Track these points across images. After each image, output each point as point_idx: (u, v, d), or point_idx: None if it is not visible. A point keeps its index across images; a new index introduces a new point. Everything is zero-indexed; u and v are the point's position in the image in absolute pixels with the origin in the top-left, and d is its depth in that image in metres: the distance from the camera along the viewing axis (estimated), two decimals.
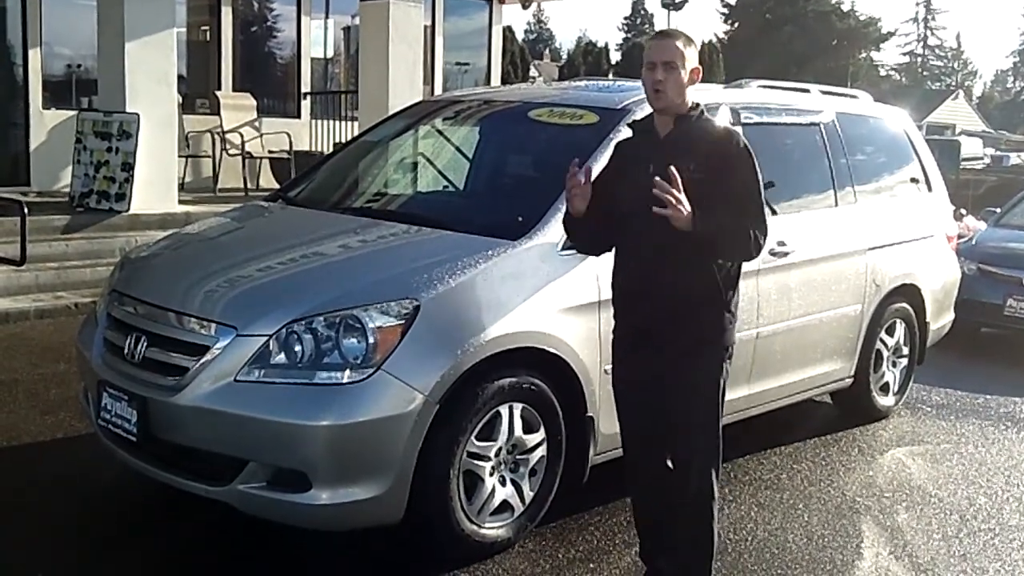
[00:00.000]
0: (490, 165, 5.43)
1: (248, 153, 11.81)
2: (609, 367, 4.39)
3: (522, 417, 4.18)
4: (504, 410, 4.10)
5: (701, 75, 3.65)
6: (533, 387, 4.16)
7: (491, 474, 4.13)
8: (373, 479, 3.78)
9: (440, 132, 5.75)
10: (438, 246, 4.29)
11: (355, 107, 12.42)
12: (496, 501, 4.17)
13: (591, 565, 4.21)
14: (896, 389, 6.55)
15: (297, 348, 3.81)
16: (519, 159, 5.33)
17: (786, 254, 5.25)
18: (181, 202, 10.19)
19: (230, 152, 11.77)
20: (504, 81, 18.75)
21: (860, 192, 5.98)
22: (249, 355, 3.82)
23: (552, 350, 4.18)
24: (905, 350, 6.52)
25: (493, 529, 4.17)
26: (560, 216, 4.29)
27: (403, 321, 3.82)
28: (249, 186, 11.84)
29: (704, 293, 3.59)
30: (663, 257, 3.54)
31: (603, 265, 4.32)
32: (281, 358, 3.82)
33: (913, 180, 6.62)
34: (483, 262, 4.07)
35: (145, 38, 9.34)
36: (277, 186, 12.01)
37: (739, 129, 5.07)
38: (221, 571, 4.10)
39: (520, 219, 4.33)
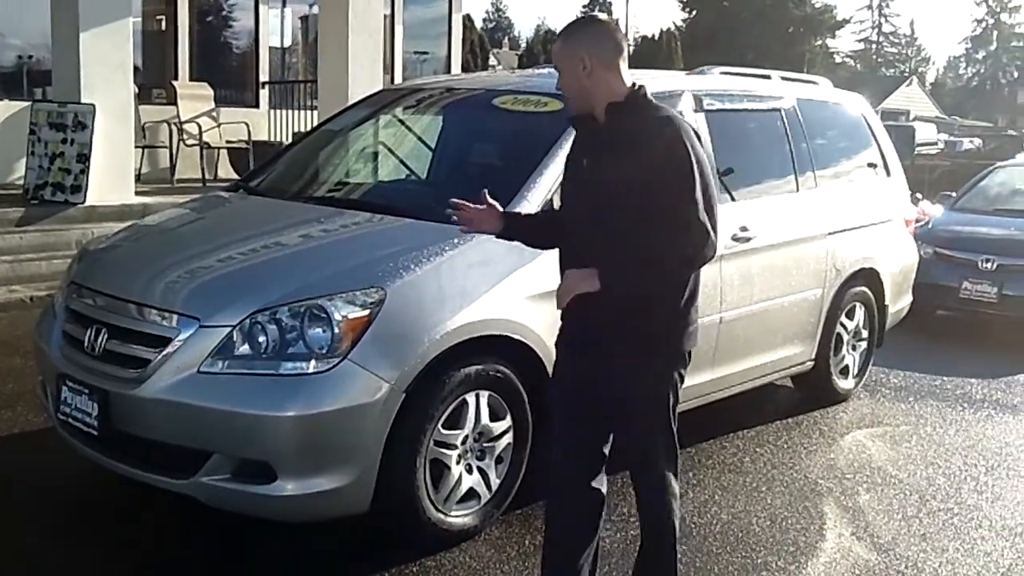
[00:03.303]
0: (455, 153, 5.42)
1: (206, 143, 11.67)
2: None
3: (488, 404, 4.18)
4: (471, 398, 4.11)
5: (599, 57, 3.21)
6: (500, 375, 4.16)
7: (458, 462, 4.13)
8: (339, 469, 3.77)
9: (403, 120, 5.72)
10: (404, 234, 4.27)
11: (314, 96, 12.33)
12: (463, 489, 4.17)
13: None
14: (855, 372, 6.63)
15: (261, 339, 3.78)
16: (483, 147, 5.31)
17: (748, 239, 5.28)
18: (138, 193, 10.03)
19: (187, 142, 11.63)
20: (464, 70, 18.68)
21: (820, 177, 6.04)
22: (212, 346, 3.78)
23: (519, 337, 4.18)
24: (864, 333, 6.60)
25: (459, 517, 4.17)
26: (524, 205, 4.32)
27: (369, 311, 3.81)
28: (207, 176, 11.71)
29: (645, 299, 3.22)
30: (598, 262, 3.18)
31: None
32: (245, 349, 3.79)
33: (872, 165, 6.70)
34: (449, 250, 4.06)
35: (100, 27, 9.16)
36: (236, 176, 11.94)
37: (698, 115, 5.14)
38: (183, 565, 4.06)
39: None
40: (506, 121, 4.99)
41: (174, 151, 11.60)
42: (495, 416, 4.22)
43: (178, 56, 12.57)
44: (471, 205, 3.46)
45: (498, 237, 3.54)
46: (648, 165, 3.10)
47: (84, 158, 9.26)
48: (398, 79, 13.84)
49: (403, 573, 3.94)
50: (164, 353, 3.83)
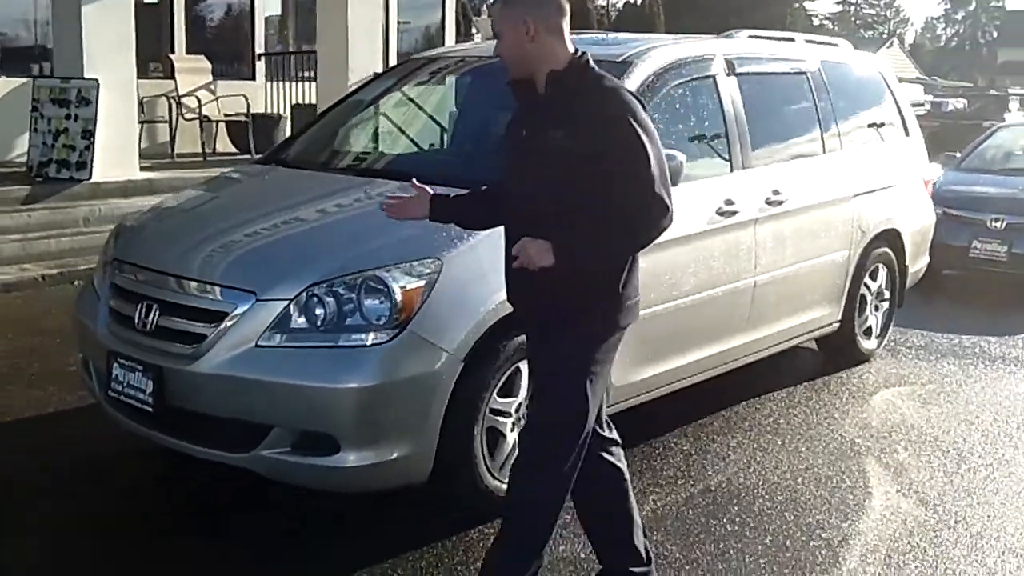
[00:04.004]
0: (494, 122, 5.37)
1: (205, 117, 11.56)
2: None
3: None
4: (523, 365, 4.09)
5: (543, 21, 3.08)
6: None
7: (512, 429, 4.14)
8: (401, 439, 3.78)
9: (441, 89, 5.69)
10: None
11: (310, 68, 12.23)
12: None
13: None
14: (878, 332, 6.69)
15: (319, 311, 3.77)
16: None
17: (781, 203, 5.31)
18: (141, 169, 9.96)
19: (186, 116, 11.51)
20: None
21: (845, 138, 6.07)
22: (270, 320, 3.77)
23: None
24: (887, 294, 6.66)
25: None
26: None
27: (426, 281, 3.80)
28: (206, 150, 11.62)
29: (577, 276, 3.09)
30: (548, 237, 3.04)
31: None
32: (302, 322, 3.78)
33: (892, 125, 6.72)
34: None
35: (103, 1, 9.06)
36: (234, 150, 11.88)
37: (730, 79, 5.14)
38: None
39: None
40: None
41: (173, 125, 11.48)
42: None
43: (174, 29, 12.41)
44: (402, 195, 3.46)
45: (431, 220, 3.42)
46: (589, 139, 3.01)
47: (89, 134, 9.16)
48: (392, 49, 13.72)
49: (463, 540, 3.97)
50: (220, 328, 3.81)
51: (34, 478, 4.50)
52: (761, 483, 4.64)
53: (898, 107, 6.76)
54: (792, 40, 6.16)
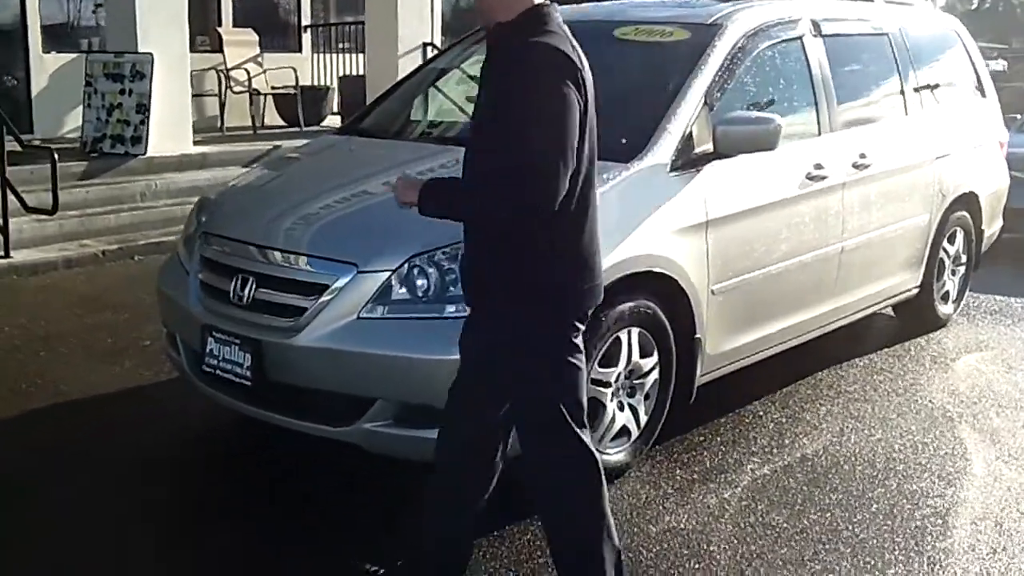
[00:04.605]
0: None
1: (254, 90, 11.51)
2: (717, 286, 4.38)
3: (638, 342, 4.13)
4: (623, 335, 4.05)
5: None
6: (648, 311, 4.10)
7: (611, 400, 4.09)
8: None
9: None
10: None
11: (356, 39, 12.15)
12: (616, 427, 4.14)
13: (711, 485, 4.21)
14: (955, 297, 6.58)
15: (420, 282, 3.73)
16: (611, 80, 5.14)
17: (867, 166, 5.21)
18: (193, 143, 9.95)
19: (235, 90, 11.47)
20: None
21: (926, 100, 5.96)
22: (372, 292, 3.73)
23: (667, 272, 4.12)
24: (963, 258, 6.55)
25: (613, 454, 4.15)
26: (667, 137, 4.24)
27: None
28: (256, 123, 11.58)
29: (516, 248, 2.88)
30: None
31: (710, 185, 4.30)
32: (403, 293, 3.74)
33: (969, 86, 6.58)
34: (600, 185, 3.95)
35: None
36: (283, 122, 11.84)
37: (816, 40, 5.02)
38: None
39: (624, 141, 4.22)
40: (631, 53, 4.86)
41: (222, 99, 11.44)
42: (644, 353, 4.18)
43: (221, 2, 12.32)
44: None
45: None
46: (495, 94, 2.79)
47: (144, 108, 9.15)
48: (438, 21, 13.61)
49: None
50: (321, 301, 3.77)
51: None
52: (858, 451, 4.57)
53: (975, 67, 6.62)
54: (872, 0, 6.03)
